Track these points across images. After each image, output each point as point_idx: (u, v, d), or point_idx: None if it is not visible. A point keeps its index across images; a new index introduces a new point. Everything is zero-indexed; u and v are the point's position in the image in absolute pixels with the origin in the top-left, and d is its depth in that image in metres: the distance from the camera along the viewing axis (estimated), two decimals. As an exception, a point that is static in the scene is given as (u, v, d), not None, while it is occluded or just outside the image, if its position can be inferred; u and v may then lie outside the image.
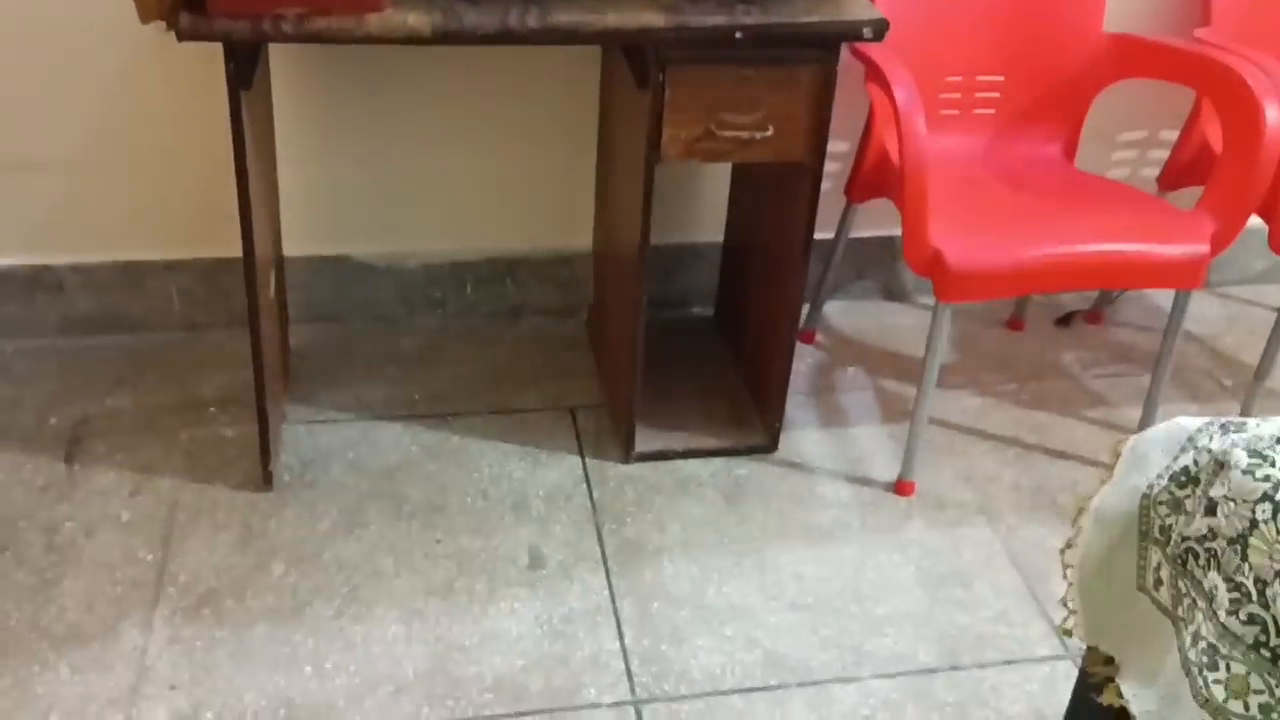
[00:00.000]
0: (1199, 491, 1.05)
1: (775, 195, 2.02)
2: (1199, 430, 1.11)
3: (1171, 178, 2.32)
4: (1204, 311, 2.58)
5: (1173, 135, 2.46)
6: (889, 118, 1.93)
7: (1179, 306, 1.99)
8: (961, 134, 2.21)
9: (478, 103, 2.18)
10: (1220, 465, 1.03)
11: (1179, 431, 1.12)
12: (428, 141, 2.21)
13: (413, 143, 2.21)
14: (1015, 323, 2.51)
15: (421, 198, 2.27)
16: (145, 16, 1.50)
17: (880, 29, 1.68)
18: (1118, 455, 1.16)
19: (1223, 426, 1.09)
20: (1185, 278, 1.92)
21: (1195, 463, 1.07)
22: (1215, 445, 1.05)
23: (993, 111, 2.22)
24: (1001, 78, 2.20)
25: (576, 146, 2.25)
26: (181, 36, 1.49)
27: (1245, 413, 2.21)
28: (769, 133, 1.75)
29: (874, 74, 1.91)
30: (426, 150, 2.22)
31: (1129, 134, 2.49)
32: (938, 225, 1.85)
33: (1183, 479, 1.07)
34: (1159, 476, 1.10)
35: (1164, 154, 2.48)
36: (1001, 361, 2.40)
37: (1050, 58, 2.17)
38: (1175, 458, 1.10)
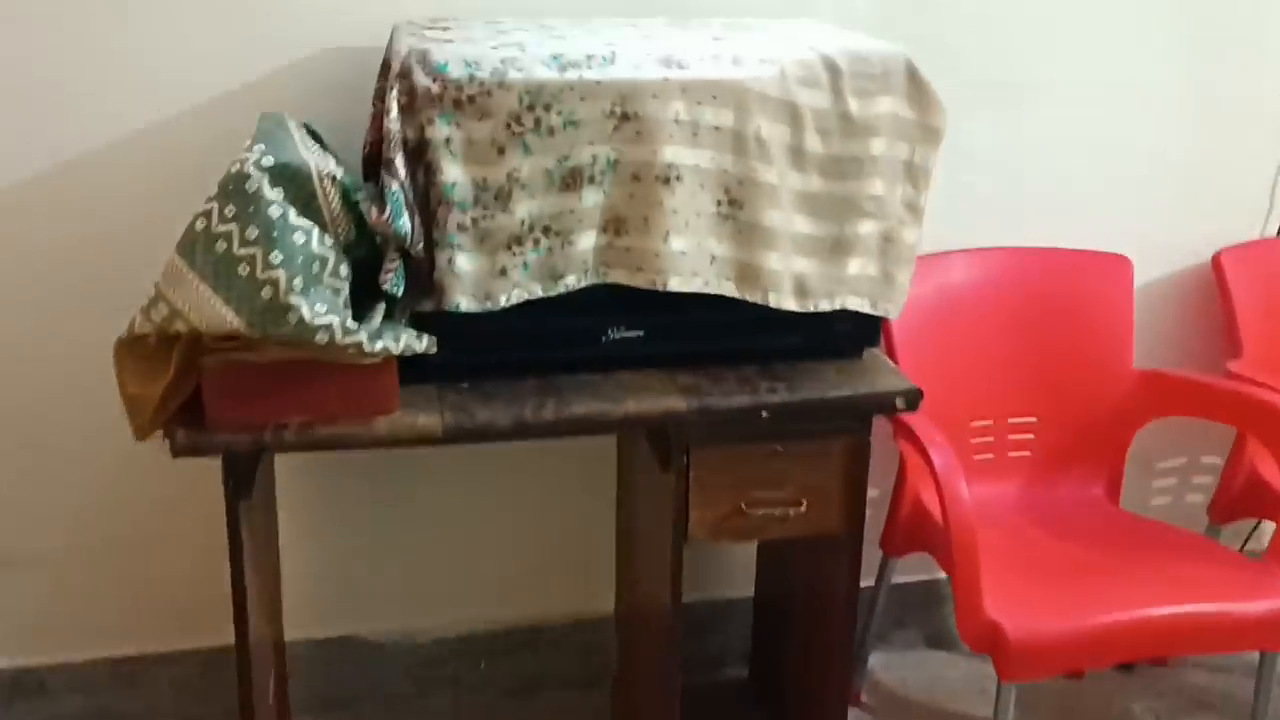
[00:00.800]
0: None
1: (809, 549, 1.88)
2: None
3: (1223, 510, 2.19)
4: None
5: (1214, 460, 2.36)
6: (922, 471, 1.83)
7: (1266, 668, 1.81)
8: (996, 480, 2.11)
9: (489, 472, 2.09)
10: None
11: None
12: (437, 510, 2.11)
13: (421, 512, 2.10)
14: (1074, 668, 2.32)
15: (431, 568, 2.15)
16: (140, 433, 1.43)
17: (913, 399, 1.60)
18: None
19: None
20: (1271, 638, 1.76)
21: None
22: None
23: (1027, 454, 2.13)
24: (1034, 419, 2.12)
25: (594, 505, 2.15)
26: (177, 453, 1.41)
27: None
28: (802, 508, 1.65)
29: (904, 432, 1.82)
30: (436, 519, 2.11)
31: (1169, 461, 2.39)
32: (990, 593, 1.71)
33: None
34: None
35: (1207, 479, 2.38)
36: (1067, 718, 2.19)
37: (1082, 397, 2.10)
38: None
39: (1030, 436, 2.12)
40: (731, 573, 2.25)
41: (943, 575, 1.89)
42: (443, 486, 2.09)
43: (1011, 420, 2.11)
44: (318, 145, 1.54)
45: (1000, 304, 2.09)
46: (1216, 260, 2.16)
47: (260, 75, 1.81)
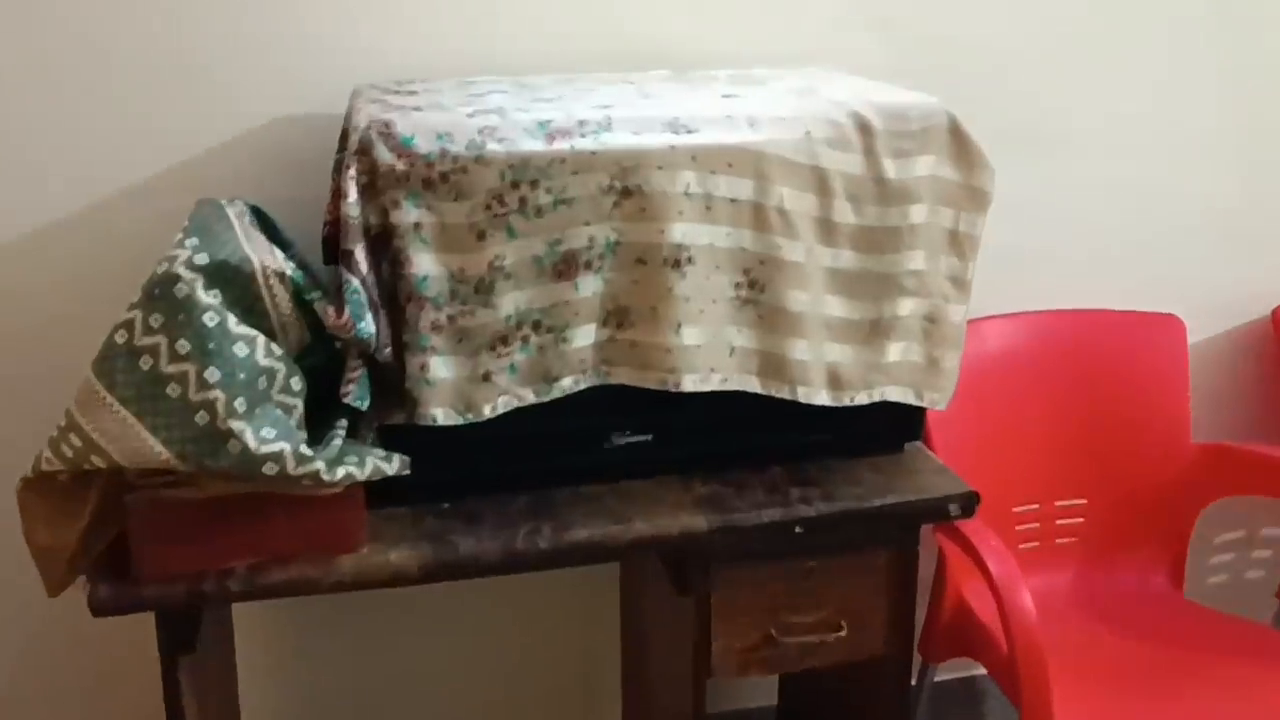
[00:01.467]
0: None
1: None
2: None
3: (1296, 593, 1.98)
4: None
5: (1275, 533, 2.16)
6: (966, 569, 1.62)
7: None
8: (1044, 570, 1.88)
9: (476, 590, 1.85)
10: None
11: None
12: (419, 633, 1.87)
13: (402, 637, 1.87)
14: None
15: (415, 696, 1.91)
16: (53, 589, 1.19)
17: (970, 505, 1.38)
18: None
19: None
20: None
21: None
22: None
23: (1076, 540, 1.90)
24: (1083, 501, 1.90)
25: (594, 617, 1.93)
26: (97, 611, 1.17)
27: None
28: (842, 631, 1.42)
29: (946, 527, 1.60)
30: (418, 640, 1.88)
31: (1225, 535, 2.17)
32: (1061, 713, 1.48)
33: None
34: None
35: (1268, 554, 2.18)
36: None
37: (1136, 475, 1.88)
38: None
39: (1080, 520, 1.90)
40: (751, 681, 2.01)
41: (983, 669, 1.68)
42: (425, 608, 1.85)
43: (1059, 503, 1.90)
44: (263, 235, 1.31)
45: (1041, 373, 1.88)
46: (1277, 316, 1.96)
47: (204, 148, 1.59)
